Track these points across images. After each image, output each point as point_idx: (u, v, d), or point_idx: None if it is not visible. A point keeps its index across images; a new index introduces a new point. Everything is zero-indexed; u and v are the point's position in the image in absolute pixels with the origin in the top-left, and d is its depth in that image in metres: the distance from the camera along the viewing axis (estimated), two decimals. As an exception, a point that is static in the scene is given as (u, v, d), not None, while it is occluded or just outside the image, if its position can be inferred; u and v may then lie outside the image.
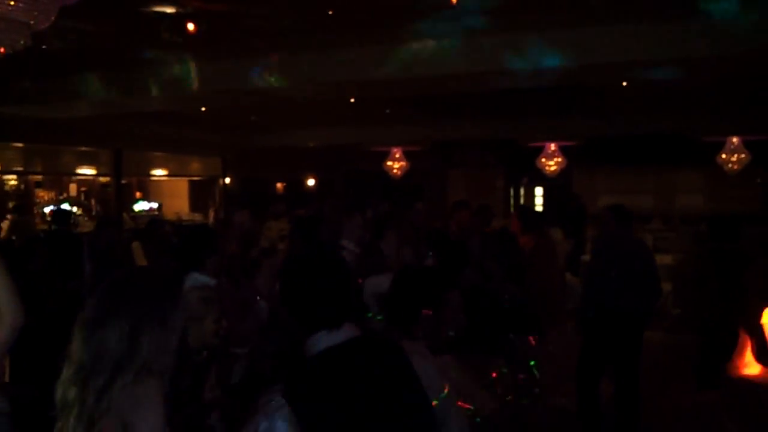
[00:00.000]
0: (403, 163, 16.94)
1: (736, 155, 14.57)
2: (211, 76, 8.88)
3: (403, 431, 1.93)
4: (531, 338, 4.63)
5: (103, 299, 1.85)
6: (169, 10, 6.64)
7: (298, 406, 1.81)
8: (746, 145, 14.60)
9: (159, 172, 16.99)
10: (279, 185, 21.20)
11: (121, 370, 1.75)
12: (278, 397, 1.83)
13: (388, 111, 13.59)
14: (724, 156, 14.67)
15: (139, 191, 17.28)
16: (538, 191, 20.29)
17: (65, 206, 13.29)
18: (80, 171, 14.88)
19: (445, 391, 2.53)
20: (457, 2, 6.07)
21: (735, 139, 14.57)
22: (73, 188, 15.74)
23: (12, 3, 3.13)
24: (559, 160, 15.78)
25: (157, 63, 8.89)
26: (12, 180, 14.20)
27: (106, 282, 1.90)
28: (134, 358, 1.77)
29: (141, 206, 16.07)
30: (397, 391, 1.95)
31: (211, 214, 16.41)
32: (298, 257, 2.23)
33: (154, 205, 16.46)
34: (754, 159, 14.68)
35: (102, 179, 15.80)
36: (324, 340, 1.94)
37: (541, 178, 17.40)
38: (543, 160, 15.90)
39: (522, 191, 20.45)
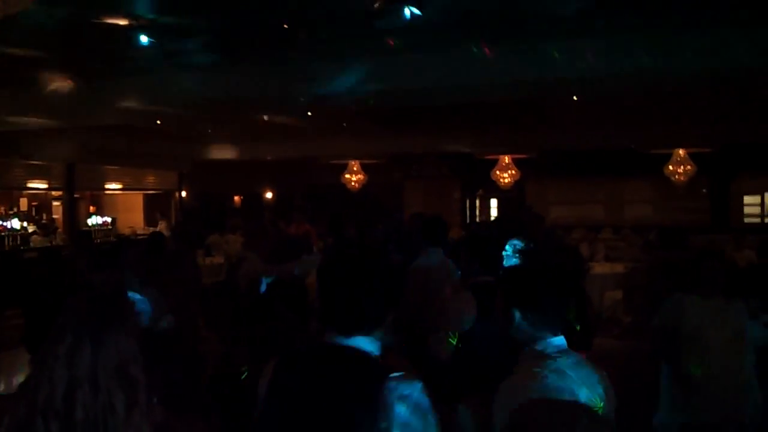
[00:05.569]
0: (360, 176, 17.03)
1: (682, 167, 15.04)
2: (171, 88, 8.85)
3: None
4: None
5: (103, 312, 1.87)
6: (122, 22, 6.60)
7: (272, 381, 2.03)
8: (692, 157, 15.09)
9: (113, 186, 16.72)
10: (236, 198, 21.05)
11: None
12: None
13: (345, 124, 13.66)
14: (671, 167, 15.12)
15: (93, 205, 16.95)
16: (493, 203, 20.57)
17: (15, 221, 13.04)
18: (31, 185, 14.55)
19: None
20: (411, 19, 6.18)
21: (681, 152, 15.05)
22: (24, 202, 15.37)
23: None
24: (513, 172, 16.08)
25: (114, 75, 8.80)
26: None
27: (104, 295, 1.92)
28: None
29: (94, 220, 15.76)
30: (335, 410, 1.88)
31: (161, 226, 16.11)
32: (335, 259, 2.22)
33: (108, 219, 16.16)
34: (699, 170, 15.18)
35: (54, 193, 15.47)
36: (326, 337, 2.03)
37: (496, 189, 17.67)
38: (497, 172, 16.17)
39: (477, 203, 20.72)
